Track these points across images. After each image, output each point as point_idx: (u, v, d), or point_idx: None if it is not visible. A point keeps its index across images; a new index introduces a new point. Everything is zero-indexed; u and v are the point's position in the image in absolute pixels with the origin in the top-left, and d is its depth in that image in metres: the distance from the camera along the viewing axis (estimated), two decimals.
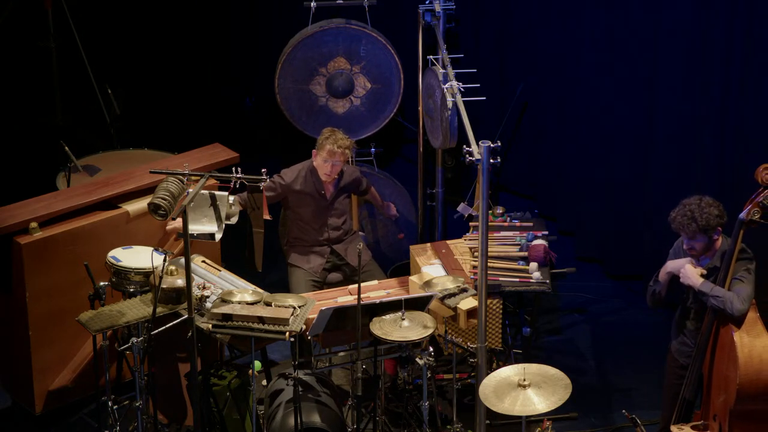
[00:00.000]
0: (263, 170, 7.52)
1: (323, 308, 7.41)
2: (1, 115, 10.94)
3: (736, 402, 6.87)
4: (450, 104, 7.88)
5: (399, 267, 9.24)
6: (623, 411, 7.69)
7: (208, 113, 11.34)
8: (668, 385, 7.44)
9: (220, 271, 8.09)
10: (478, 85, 8.13)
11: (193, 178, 7.23)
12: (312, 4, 9.54)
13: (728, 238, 7.03)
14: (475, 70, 8.33)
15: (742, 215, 6.88)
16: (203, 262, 8.19)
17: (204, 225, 7.28)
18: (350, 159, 8.89)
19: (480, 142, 7.18)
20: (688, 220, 6.96)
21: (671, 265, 7.20)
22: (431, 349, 7.57)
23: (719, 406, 7.02)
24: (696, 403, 7.28)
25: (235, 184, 7.39)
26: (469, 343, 7.96)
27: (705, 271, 7.05)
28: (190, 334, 7.08)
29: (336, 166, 8.44)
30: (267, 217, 7.76)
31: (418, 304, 7.59)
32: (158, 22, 11.34)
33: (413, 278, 8.06)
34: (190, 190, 7.12)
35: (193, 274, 7.42)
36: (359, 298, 7.31)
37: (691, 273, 7.04)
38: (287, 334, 7.36)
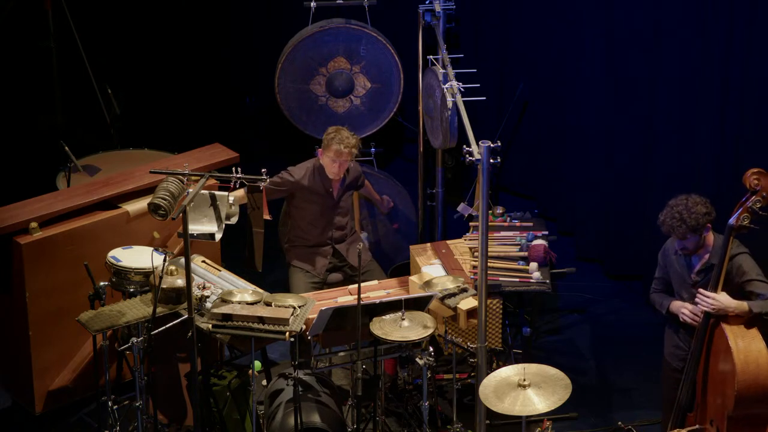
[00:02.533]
0: (263, 170, 7.52)
1: (323, 308, 7.40)
2: (1, 115, 10.94)
3: (734, 407, 6.84)
4: (450, 104, 7.88)
5: (399, 267, 9.24)
6: (619, 423, 7.71)
7: (208, 113, 11.33)
8: (665, 388, 7.44)
9: (220, 271, 8.09)
10: (478, 85, 8.13)
11: (193, 178, 7.23)
12: (312, 4, 9.55)
13: (718, 235, 7.03)
14: (475, 70, 8.33)
15: (732, 221, 6.85)
16: (203, 262, 8.19)
17: (204, 225, 7.28)
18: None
19: (480, 142, 7.18)
20: (677, 222, 6.95)
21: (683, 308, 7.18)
22: (431, 349, 7.57)
23: (716, 410, 6.99)
24: (689, 406, 7.23)
25: (235, 184, 7.39)
26: (469, 343, 7.96)
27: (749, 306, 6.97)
28: (190, 334, 7.08)
29: (344, 165, 8.43)
30: (267, 217, 7.76)
31: (418, 304, 7.59)
32: (158, 22, 11.34)
33: (413, 278, 8.06)
34: (190, 190, 7.11)
35: (193, 274, 7.42)
36: (359, 298, 7.31)
37: (735, 305, 6.91)
38: (287, 334, 7.36)
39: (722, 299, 6.89)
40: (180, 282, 7.53)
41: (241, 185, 7.47)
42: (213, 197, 7.26)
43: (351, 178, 8.62)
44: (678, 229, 6.96)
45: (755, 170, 6.88)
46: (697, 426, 7.14)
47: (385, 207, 9.17)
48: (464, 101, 7.78)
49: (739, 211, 6.85)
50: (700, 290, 6.94)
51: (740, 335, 6.86)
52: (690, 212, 6.93)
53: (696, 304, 7.08)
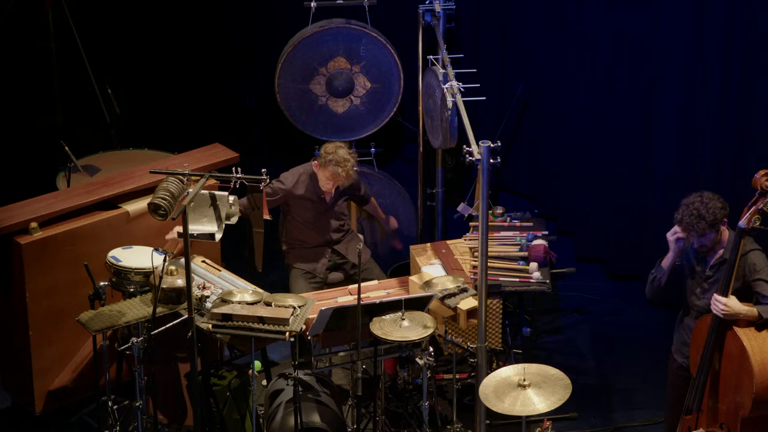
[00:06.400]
0: (263, 170, 7.51)
1: (323, 308, 7.40)
2: (1, 115, 10.94)
3: (751, 410, 6.82)
4: (450, 104, 7.88)
5: (399, 267, 9.24)
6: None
7: (208, 113, 11.33)
8: (670, 385, 7.43)
9: (220, 271, 8.09)
10: (478, 85, 8.13)
11: (193, 178, 7.23)
12: (312, 4, 9.55)
13: (732, 230, 7.02)
14: (475, 70, 8.33)
15: (743, 224, 6.82)
16: (203, 262, 8.19)
17: (204, 225, 7.28)
18: None
19: (480, 142, 7.18)
20: (696, 219, 6.92)
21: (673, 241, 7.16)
22: (431, 349, 7.57)
23: (728, 413, 6.95)
24: (698, 408, 7.20)
25: (235, 184, 7.39)
26: (469, 343, 7.96)
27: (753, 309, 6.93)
28: (190, 334, 7.08)
29: (336, 184, 8.40)
30: (267, 217, 7.76)
31: (418, 304, 7.59)
32: (158, 22, 11.34)
33: (413, 278, 8.06)
34: (190, 190, 7.11)
35: (193, 274, 7.42)
36: (359, 298, 7.31)
37: (745, 310, 6.88)
38: (287, 334, 7.36)
39: (733, 304, 6.87)
40: (180, 282, 7.53)
41: (241, 186, 7.45)
42: (213, 197, 7.26)
43: (345, 187, 8.60)
44: (698, 226, 6.93)
45: (765, 171, 6.85)
46: (708, 430, 7.09)
47: (388, 227, 9.11)
48: (464, 101, 7.78)
49: (750, 212, 6.82)
50: (714, 295, 6.93)
51: (753, 337, 6.84)
52: (707, 208, 6.91)
53: (698, 299, 7.11)
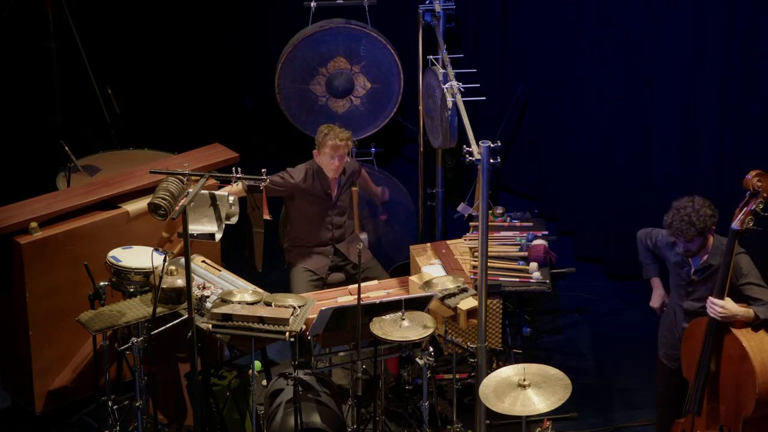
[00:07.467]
0: (263, 170, 7.52)
1: (323, 308, 7.40)
2: (1, 115, 10.94)
3: (754, 410, 6.81)
4: (450, 104, 7.88)
5: (399, 267, 9.24)
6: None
7: (208, 113, 11.33)
8: (660, 387, 7.43)
9: (220, 271, 8.09)
10: (478, 85, 8.13)
11: (193, 178, 7.23)
12: (312, 4, 9.55)
13: (717, 236, 7.02)
14: (475, 70, 8.33)
15: (736, 226, 6.81)
16: (203, 262, 8.19)
17: (204, 225, 7.28)
18: (350, 153, 8.86)
19: (480, 142, 7.18)
20: (686, 225, 6.92)
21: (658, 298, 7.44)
22: (431, 349, 7.57)
23: (729, 415, 6.94)
24: (697, 411, 7.19)
25: (235, 184, 7.39)
26: (469, 343, 7.96)
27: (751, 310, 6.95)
28: (190, 334, 7.08)
29: (342, 159, 8.43)
30: (267, 217, 7.76)
31: (418, 304, 7.59)
32: (158, 22, 11.34)
33: (413, 278, 8.06)
34: (190, 190, 7.11)
35: (193, 274, 7.42)
36: (359, 298, 7.31)
37: (742, 311, 6.88)
38: (287, 334, 7.36)
39: (730, 306, 6.87)
40: (180, 282, 7.53)
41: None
42: (213, 197, 7.26)
43: (348, 176, 8.62)
44: (687, 232, 6.93)
45: (757, 172, 6.84)
46: None
47: (381, 198, 9.12)
48: (464, 101, 7.78)
49: (743, 214, 6.81)
50: (710, 298, 6.92)
51: (751, 338, 6.84)
52: (698, 215, 6.91)
53: (683, 302, 7.13)
